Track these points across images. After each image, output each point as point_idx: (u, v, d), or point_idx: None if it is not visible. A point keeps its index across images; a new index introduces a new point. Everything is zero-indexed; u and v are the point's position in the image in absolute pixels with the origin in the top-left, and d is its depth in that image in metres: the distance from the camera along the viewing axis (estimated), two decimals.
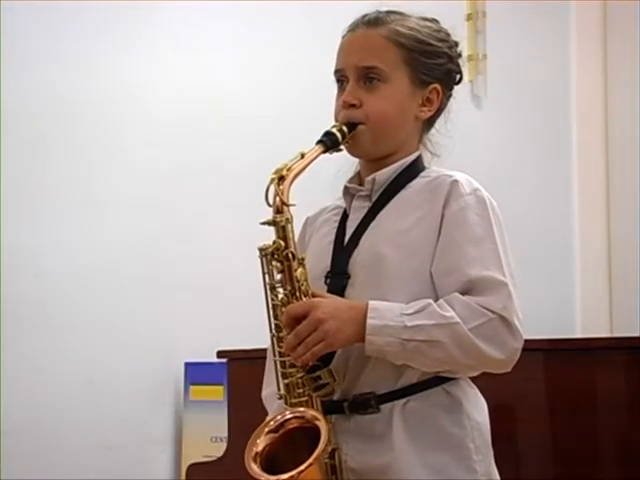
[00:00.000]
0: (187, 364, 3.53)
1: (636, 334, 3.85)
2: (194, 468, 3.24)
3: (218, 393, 3.39)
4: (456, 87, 2.03)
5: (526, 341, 1.95)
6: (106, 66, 3.47)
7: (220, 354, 3.21)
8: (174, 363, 3.52)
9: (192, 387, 3.51)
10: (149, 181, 3.53)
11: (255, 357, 3.06)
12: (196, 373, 3.51)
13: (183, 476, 3.30)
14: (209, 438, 3.42)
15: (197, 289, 3.60)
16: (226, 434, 3.16)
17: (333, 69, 1.98)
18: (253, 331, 3.49)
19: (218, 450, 3.19)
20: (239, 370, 3.15)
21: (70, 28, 3.40)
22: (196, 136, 3.65)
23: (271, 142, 3.74)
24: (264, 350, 3.00)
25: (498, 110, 4.41)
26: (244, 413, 3.10)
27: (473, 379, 1.90)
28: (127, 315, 3.45)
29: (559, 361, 2.46)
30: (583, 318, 4.60)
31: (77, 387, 3.34)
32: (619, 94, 4.71)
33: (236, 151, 3.70)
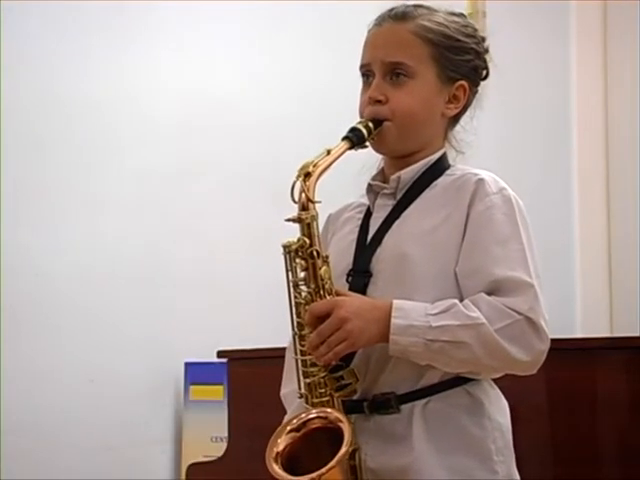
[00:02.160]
0: (187, 364, 3.53)
1: (636, 334, 3.85)
2: (194, 468, 3.24)
3: (218, 393, 3.39)
4: None
5: None
6: (105, 66, 3.47)
7: (220, 354, 3.21)
8: (174, 363, 3.52)
9: (192, 387, 3.51)
10: (149, 181, 3.53)
11: (255, 357, 3.09)
12: (196, 373, 3.51)
13: (183, 476, 3.30)
14: (209, 438, 3.42)
15: (197, 289, 3.60)
16: (226, 434, 3.16)
17: (359, 63, 1.92)
18: (253, 331, 3.51)
19: (218, 450, 3.19)
20: (239, 370, 3.15)
21: (69, 29, 3.40)
22: (195, 136, 3.65)
23: (271, 142, 3.75)
24: (264, 350, 3.01)
25: (498, 110, 4.40)
26: (244, 413, 3.11)
27: (496, 380, 1.87)
28: (127, 315, 3.45)
29: (559, 361, 2.46)
30: (583, 318, 4.59)
31: (77, 387, 3.34)
32: (619, 94, 4.71)
33: (235, 151, 3.70)
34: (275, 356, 2.92)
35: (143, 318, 3.48)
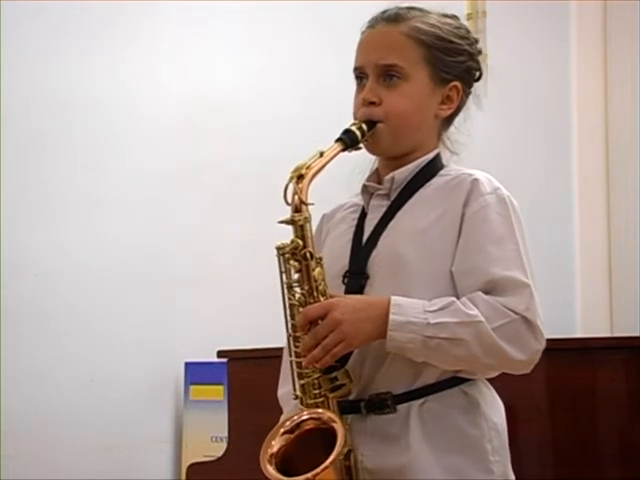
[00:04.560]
0: (187, 364, 3.53)
1: (636, 334, 3.85)
2: (194, 468, 3.24)
3: (218, 393, 3.39)
4: None
5: None
6: (105, 66, 3.47)
7: (220, 354, 3.21)
8: (174, 363, 3.52)
9: (192, 387, 3.51)
10: (149, 181, 3.53)
11: (255, 357, 3.09)
12: (196, 373, 3.51)
13: (183, 476, 3.30)
14: (209, 438, 3.42)
15: (197, 289, 3.60)
16: (226, 434, 3.16)
17: (353, 66, 1.94)
18: (253, 331, 3.51)
19: (218, 450, 3.19)
20: (239, 370, 3.15)
21: (71, 27, 3.40)
22: (195, 136, 3.64)
23: (271, 142, 3.75)
24: (264, 350, 3.01)
25: (498, 110, 4.40)
26: (244, 413, 3.11)
27: (491, 380, 1.88)
28: (127, 315, 3.45)
29: (559, 361, 2.46)
30: (583, 318, 4.59)
31: (77, 387, 3.34)
32: (619, 94, 4.71)
33: (236, 151, 3.70)
34: (275, 356, 2.92)
35: (143, 318, 3.48)
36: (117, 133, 3.49)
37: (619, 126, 4.71)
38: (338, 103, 3.61)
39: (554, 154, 4.65)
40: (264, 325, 3.51)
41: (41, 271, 3.31)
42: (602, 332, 4.42)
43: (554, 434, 2.51)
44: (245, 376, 3.12)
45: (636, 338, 2.84)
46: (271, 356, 2.95)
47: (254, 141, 3.73)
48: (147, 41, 3.57)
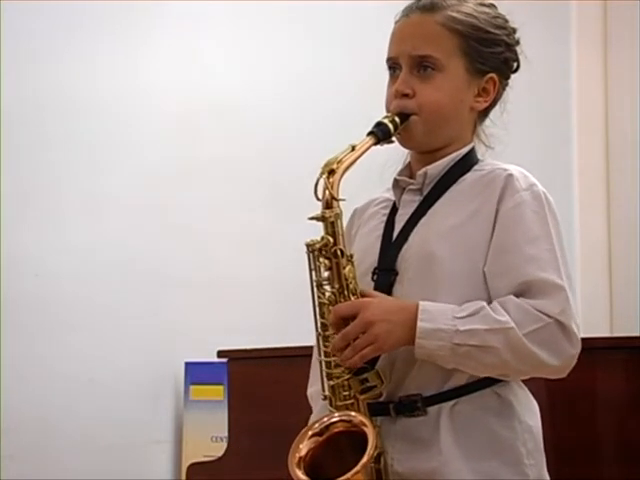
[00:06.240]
0: (187, 364, 3.53)
1: (636, 334, 3.85)
2: (194, 468, 3.24)
3: (218, 393, 3.39)
4: None
5: None
6: (109, 65, 3.47)
7: (220, 354, 3.21)
8: (174, 363, 3.52)
9: (192, 387, 3.51)
10: (150, 181, 3.53)
11: (255, 357, 3.09)
12: (196, 373, 3.51)
13: (183, 476, 3.30)
14: (209, 438, 3.42)
15: (198, 289, 3.60)
16: (226, 434, 3.16)
17: (386, 56, 1.86)
18: (253, 331, 3.51)
19: (218, 450, 3.18)
20: (239, 370, 3.15)
21: (71, 28, 3.40)
22: (198, 136, 3.65)
23: (271, 142, 3.75)
24: (264, 350, 3.02)
25: (498, 110, 4.40)
26: (244, 413, 3.11)
27: (525, 381, 1.83)
28: (127, 314, 3.45)
29: None
30: (583, 318, 4.57)
31: (77, 386, 3.34)
32: (619, 95, 4.71)
33: (237, 151, 3.70)
34: (275, 356, 2.93)
35: (143, 318, 3.48)
36: (117, 133, 3.49)
37: (619, 126, 4.71)
38: (338, 103, 3.62)
39: (554, 154, 4.65)
40: (264, 325, 3.53)
41: (41, 271, 3.31)
42: (602, 332, 4.41)
43: (554, 434, 2.50)
44: (245, 376, 3.12)
45: (636, 338, 2.84)
46: (271, 356, 2.96)
47: (254, 141, 3.73)
48: (151, 42, 3.57)
